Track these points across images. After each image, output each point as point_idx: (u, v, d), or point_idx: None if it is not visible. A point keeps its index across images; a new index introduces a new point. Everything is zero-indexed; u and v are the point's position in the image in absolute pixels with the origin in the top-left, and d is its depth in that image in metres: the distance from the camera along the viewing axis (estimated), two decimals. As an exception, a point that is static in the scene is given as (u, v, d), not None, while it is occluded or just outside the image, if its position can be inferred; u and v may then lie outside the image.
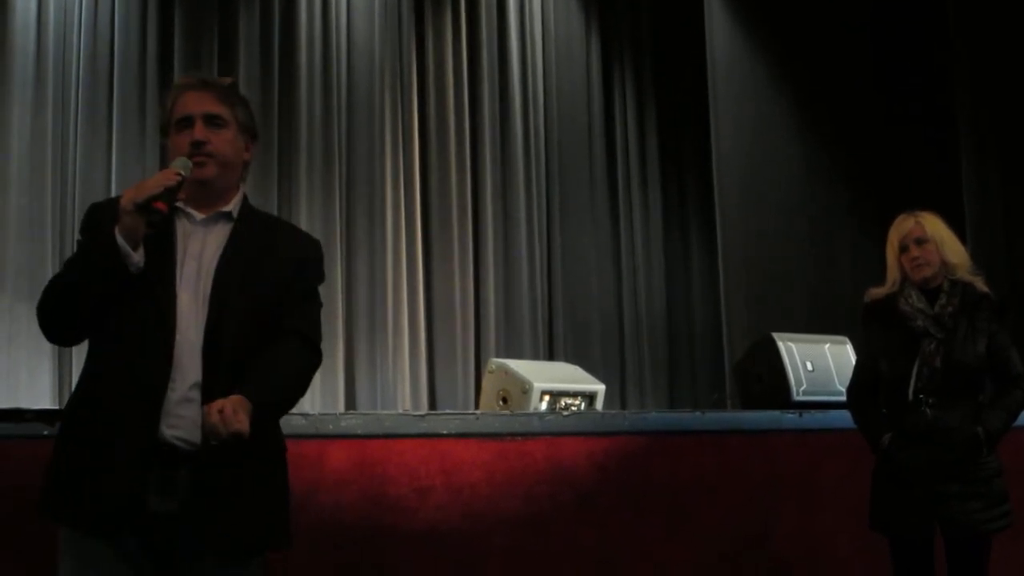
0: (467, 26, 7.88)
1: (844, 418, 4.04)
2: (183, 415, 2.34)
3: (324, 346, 2.62)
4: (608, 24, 8.55)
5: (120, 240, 2.31)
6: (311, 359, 2.55)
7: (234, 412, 2.25)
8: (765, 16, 8.02)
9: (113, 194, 4.83)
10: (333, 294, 6.95)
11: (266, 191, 6.84)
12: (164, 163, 2.55)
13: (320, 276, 2.64)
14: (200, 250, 2.46)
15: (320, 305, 2.61)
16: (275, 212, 6.53)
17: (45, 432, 3.39)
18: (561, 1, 8.33)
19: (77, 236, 2.58)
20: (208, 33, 6.88)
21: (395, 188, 7.44)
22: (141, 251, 2.34)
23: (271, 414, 2.44)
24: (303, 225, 6.72)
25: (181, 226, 2.47)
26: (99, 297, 2.36)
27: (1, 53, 6.26)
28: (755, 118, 7.97)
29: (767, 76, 8.06)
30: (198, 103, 2.50)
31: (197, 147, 2.45)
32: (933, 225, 3.76)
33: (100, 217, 2.45)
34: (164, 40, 6.77)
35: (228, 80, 2.62)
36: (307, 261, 2.58)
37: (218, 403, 2.27)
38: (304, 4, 7.28)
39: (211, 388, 2.35)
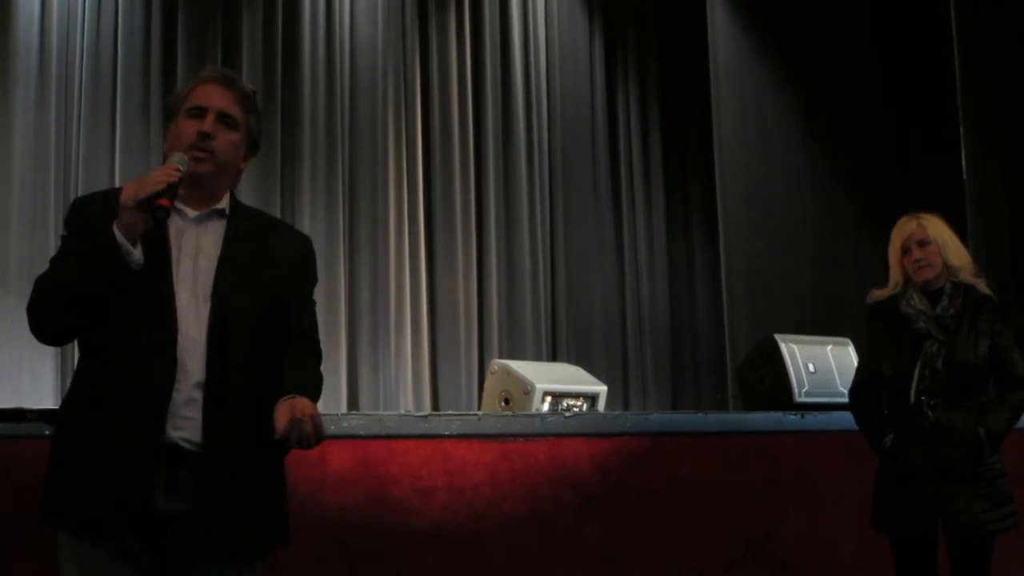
0: (470, 27, 7.89)
1: (846, 419, 4.04)
2: (188, 416, 2.32)
3: (326, 346, 2.63)
4: (611, 26, 8.54)
5: (120, 237, 2.27)
6: (319, 365, 2.55)
7: (320, 423, 2.28)
8: (767, 18, 8.02)
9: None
10: (336, 294, 6.95)
11: (269, 191, 6.84)
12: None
13: (315, 276, 2.63)
14: (195, 248, 2.42)
15: (314, 303, 2.60)
16: (278, 213, 6.53)
17: (47, 432, 3.37)
18: (564, 2, 8.33)
19: (62, 231, 2.53)
20: (211, 32, 6.87)
21: (398, 189, 7.44)
22: (139, 248, 2.30)
23: None
24: (306, 226, 6.74)
25: (173, 223, 2.41)
26: (97, 296, 2.32)
27: (4, 52, 6.25)
28: (758, 119, 7.97)
29: (770, 78, 8.06)
30: (217, 98, 2.47)
31: (203, 138, 2.41)
32: (935, 227, 3.76)
33: (88, 211, 2.41)
34: (167, 39, 6.77)
35: (252, 88, 2.59)
36: (304, 260, 2.57)
37: (305, 410, 2.27)
38: (307, 4, 7.28)
39: (215, 388, 2.33)
